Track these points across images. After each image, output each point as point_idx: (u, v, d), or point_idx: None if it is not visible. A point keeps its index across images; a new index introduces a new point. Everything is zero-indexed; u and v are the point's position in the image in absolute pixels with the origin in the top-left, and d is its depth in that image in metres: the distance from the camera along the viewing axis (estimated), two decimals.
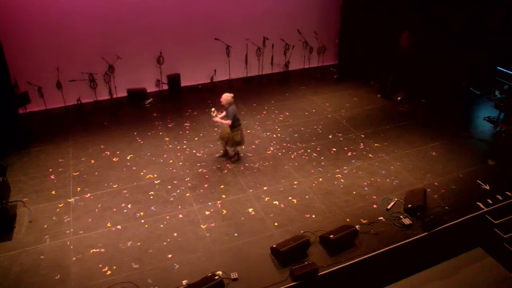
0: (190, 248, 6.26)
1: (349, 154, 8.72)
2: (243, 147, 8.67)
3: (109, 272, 5.81)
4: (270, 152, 8.78)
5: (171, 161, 8.45)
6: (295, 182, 7.78)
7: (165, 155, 8.63)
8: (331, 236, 6.08)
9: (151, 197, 7.37)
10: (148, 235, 6.49)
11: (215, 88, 11.92)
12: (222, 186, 7.67)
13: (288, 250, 5.86)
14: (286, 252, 5.85)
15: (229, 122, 7.80)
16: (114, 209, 7.05)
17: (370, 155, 8.69)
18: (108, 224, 6.71)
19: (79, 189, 7.54)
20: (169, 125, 9.80)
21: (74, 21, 9.93)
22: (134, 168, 8.18)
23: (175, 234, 6.51)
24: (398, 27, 11.66)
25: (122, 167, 8.20)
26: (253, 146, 8.98)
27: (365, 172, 8.10)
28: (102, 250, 6.20)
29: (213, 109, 7.92)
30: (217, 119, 7.89)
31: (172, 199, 7.34)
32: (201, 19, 11.26)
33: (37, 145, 8.82)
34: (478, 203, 7.21)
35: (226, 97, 7.71)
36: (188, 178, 7.90)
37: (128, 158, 8.51)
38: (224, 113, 7.93)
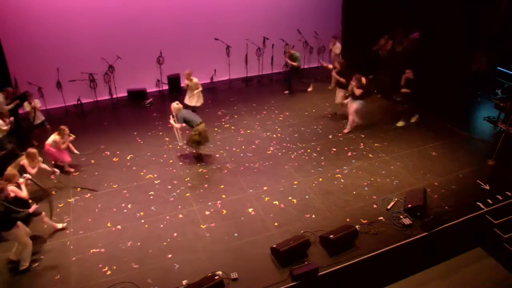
0: (190, 248, 6.26)
1: (349, 154, 8.72)
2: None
3: (109, 272, 5.81)
4: (270, 152, 8.78)
5: (171, 161, 8.45)
6: (295, 182, 7.78)
7: (165, 155, 8.63)
8: (331, 236, 6.08)
9: (151, 197, 7.38)
10: (148, 235, 6.49)
11: (215, 88, 11.93)
12: (222, 186, 7.67)
13: (288, 250, 5.86)
14: (286, 252, 5.85)
15: (179, 125, 8.19)
16: (114, 209, 7.06)
17: (370, 155, 8.69)
18: (108, 224, 6.71)
19: (79, 189, 7.54)
20: (169, 125, 9.78)
21: (74, 21, 9.94)
22: (134, 168, 8.18)
23: (175, 234, 6.51)
24: (398, 27, 11.65)
25: (122, 167, 8.20)
26: (253, 146, 8.98)
27: (365, 172, 8.10)
28: (102, 250, 6.20)
29: (171, 118, 8.34)
30: (171, 122, 8.29)
31: (172, 199, 7.34)
32: (201, 19, 11.26)
33: (37, 145, 8.81)
34: (478, 203, 7.21)
35: (172, 107, 8.22)
36: (188, 178, 7.90)
37: (128, 158, 8.51)
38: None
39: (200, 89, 9.88)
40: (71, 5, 9.78)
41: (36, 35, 9.68)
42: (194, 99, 9.90)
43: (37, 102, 8.66)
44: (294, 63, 11.12)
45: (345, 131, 9.44)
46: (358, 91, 8.96)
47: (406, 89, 9.56)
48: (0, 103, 8.38)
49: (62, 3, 9.69)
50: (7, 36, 9.04)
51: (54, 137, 7.76)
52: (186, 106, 9.62)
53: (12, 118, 8.17)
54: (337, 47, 11.82)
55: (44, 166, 7.38)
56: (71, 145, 8.01)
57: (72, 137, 7.97)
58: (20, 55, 9.54)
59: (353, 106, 9.21)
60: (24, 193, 6.10)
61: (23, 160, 7.04)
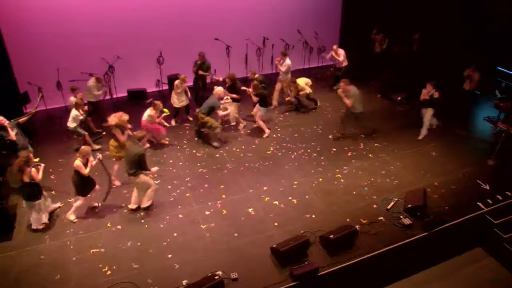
0: (190, 248, 6.26)
1: (349, 154, 8.71)
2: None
3: (109, 272, 5.81)
4: (270, 152, 8.78)
5: (171, 161, 8.44)
6: (295, 182, 7.78)
7: (165, 155, 8.63)
8: (331, 236, 6.08)
9: None
10: (148, 235, 6.49)
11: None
12: (222, 186, 7.67)
13: (288, 250, 5.86)
14: (286, 252, 5.85)
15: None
16: (114, 209, 7.05)
17: (370, 155, 8.69)
18: (108, 224, 6.71)
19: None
20: (169, 125, 9.78)
21: (74, 21, 9.95)
22: None
23: (175, 234, 6.51)
24: (399, 28, 11.67)
25: (122, 167, 8.17)
26: (253, 146, 8.98)
27: (365, 172, 8.10)
28: (102, 250, 6.20)
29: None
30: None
31: (172, 199, 7.34)
32: (201, 19, 11.27)
33: (37, 145, 8.81)
34: (478, 203, 7.21)
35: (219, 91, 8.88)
36: (188, 178, 7.90)
37: None
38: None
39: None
40: (71, 5, 9.78)
41: (36, 35, 9.69)
42: (184, 99, 9.70)
43: (80, 95, 8.93)
44: (206, 73, 10.29)
45: (265, 136, 9.30)
46: (254, 98, 9.14)
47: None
48: (92, 87, 9.22)
49: (62, 3, 9.70)
50: (7, 37, 9.04)
51: (149, 112, 8.41)
52: (177, 109, 9.72)
53: (86, 107, 8.66)
54: (285, 65, 10.38)
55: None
56: (163, 120, 8.74)
57: (167, 112, 8.70)
58: (20, 55, 9.54)
59: (258, 113, 9.36)
60: (86, 171, 6.46)
61: (115, 129, 7.34)
